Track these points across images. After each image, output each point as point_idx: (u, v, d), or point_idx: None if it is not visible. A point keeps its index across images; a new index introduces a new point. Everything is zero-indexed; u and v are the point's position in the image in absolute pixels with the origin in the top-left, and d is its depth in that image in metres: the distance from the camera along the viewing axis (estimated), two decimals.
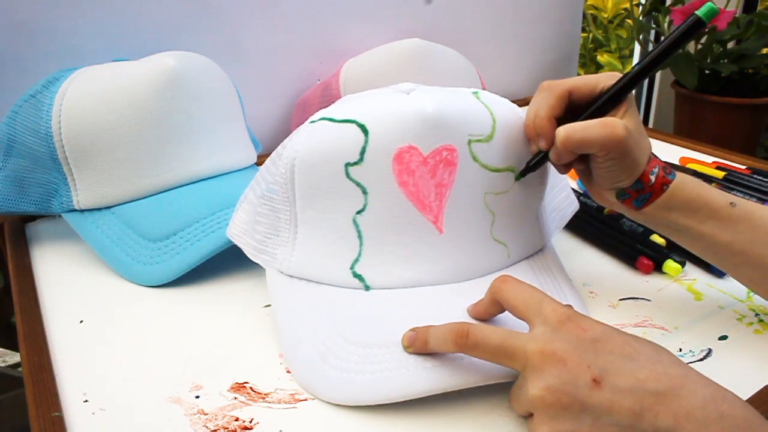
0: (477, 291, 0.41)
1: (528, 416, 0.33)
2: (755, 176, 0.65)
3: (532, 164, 0.44)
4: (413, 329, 0.37)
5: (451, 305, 0.40)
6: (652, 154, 0.42)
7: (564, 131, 0.40)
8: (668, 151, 0.78)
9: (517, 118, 0.45)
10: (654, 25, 1.02)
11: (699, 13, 0.38)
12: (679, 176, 0.42)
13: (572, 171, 0.70)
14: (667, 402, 0.30)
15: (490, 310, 0.38)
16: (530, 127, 0.43)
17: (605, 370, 0.31)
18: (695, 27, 0.39)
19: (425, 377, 0.35)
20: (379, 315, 0.40)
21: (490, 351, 0.33)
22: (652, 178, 0.41)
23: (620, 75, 0.42)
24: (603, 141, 0.39)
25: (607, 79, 0.42)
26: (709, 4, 0.38)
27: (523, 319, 0.35)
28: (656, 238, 0.54)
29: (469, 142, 0.42)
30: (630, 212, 0.43)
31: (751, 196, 0.60)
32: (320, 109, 0.46)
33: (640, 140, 0.41)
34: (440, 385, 0.35)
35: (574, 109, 0.42)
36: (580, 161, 0.44)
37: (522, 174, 0.45)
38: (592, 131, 0.39)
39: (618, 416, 0.30)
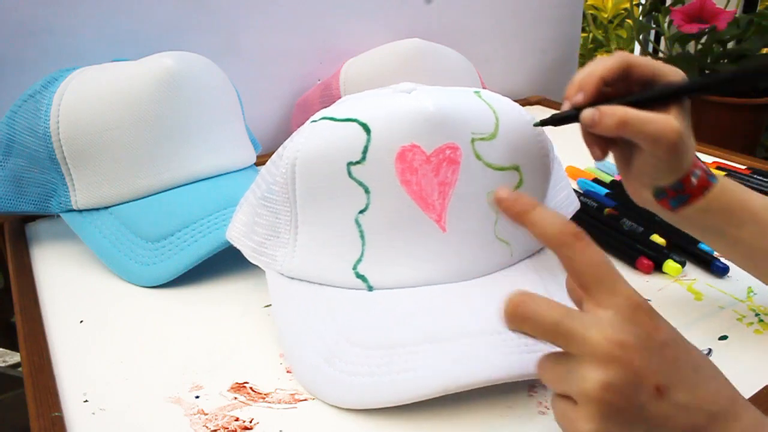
0: (480, 290, 0.41)
1: (562, 396, 0.30)
2: (755, 176, 0.65)
3: (558, 118, 0.41)
4: None
5: (454, 304, 0.40)
6: (695, 155, 0.41)
7: (622, 114, 0.37)
8: None
9: (520, 116, 0.45)
10: (654, 25, 1.02)
11: None
12: (721, 181, 0.41)
13: (571, 171, 0.70)
14: (717, 425, 0.29)
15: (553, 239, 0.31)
16: (575, 82, 0.40)
17: (670, 379, 0.29)
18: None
19: (431, 379, 0.35)
20: (383, 316, 0.40)
21: (543, 328, 0.30)
22: (694, 180, 0.40)
23: (683, 75, 0.40)
24: (656, 138, 0.37)
25: (671, 72, 0.40)
26: None
27: (587, 290, 0.30)
28: (656, 238, 0.54)
29: (473, 140, 0.42)
30: (665, 213, 0.42)
31: None
32: (320, 109, 0.46)
33: (689, 142, 0.39)
34: (447, 386, 0.35)
35: (626, 84, 0.40)
36: (622, 149, 0.42)
37: (542, 123, 0.43)
38: (650, 127, 0.37)
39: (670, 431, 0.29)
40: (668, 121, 0.37)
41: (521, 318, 0.30)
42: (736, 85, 0.39)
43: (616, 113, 0.38)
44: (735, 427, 0.29)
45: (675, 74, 0.40)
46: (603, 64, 0.39)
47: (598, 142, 0.41)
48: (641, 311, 0.29)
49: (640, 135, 0.38)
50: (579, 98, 0.39)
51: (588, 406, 0.28)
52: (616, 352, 0.28)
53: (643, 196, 0.42)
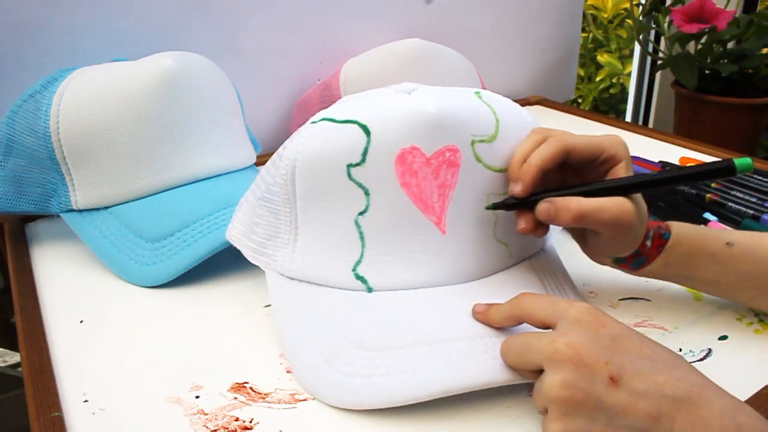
0: (480, 292, 0.41)
1: (544, 413, 0.33)
2: (755, 176, 0.65)
3: (505, 204, 0.42)
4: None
5: (454, 306, 0.40)
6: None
7: (579, 208, 0.38)
8: (668, 151, 0.77)
9: (521, 118, 0.45)
10: (654, 25, 1.02)
11: (736, 161, 0.38)
12: (675, 232, 0.42)
13: None
14: (685, 409, 0.29)
15: (503, 324, 0.38)
16: (515, 167, 0.41)
17: (623, 369, 0.30)
18: (725, 171, 0.38)
19: (431, 380, 0.35)
20: (383, 317, 0.40)
21: (517, 354, 0.34)
22: (648, 243, 0.42)
23: (622, 140, 0.41)
24: (614, 223, 0.39)
25: (611, 144, 0.40)
26: (747, 159, 0.37)
27: (546, 326, 0.34)
28: None
29: (473, 142, 0.42)
30: (628, 272, 0.44)
31: (752, 196, 0.60)
32: (320, 109, 0.46)
33: (644, 217, 0.41)
34: (447, 388, 0.35)
35: (565, 165, 0.41)
36: (574, 229, 0.43)
37: (494, 207, 0.43)
38: (606, 215, 0.38)
39: (633, 419, 0.30)
40: (622, 206, 0.39)
41: (504, 355, 0.35)
42: (690, 181, 0.40)
43: (570, 207, 0.38)
44: (706, 413, 0.29)
45: (613, 145, 0.40)
46: (541, 155, 0.40)
47: (535, 221, 0.41)
48: (586, 313, 0.32)
49: (598, 224, 0.39)
50: (517, 189, 0.40)
51: (552, 408, 0.31)
52: (564, 351, 0.31)
53: (603, 261, 0.44)
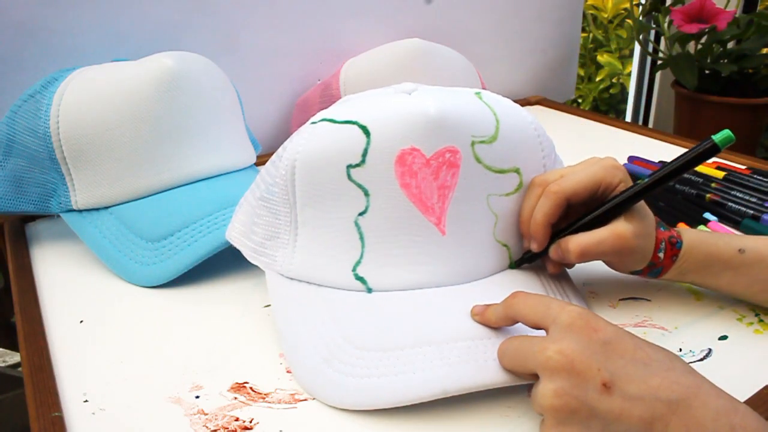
0: (479, 293, 0.41)
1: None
2: (755, 176, 0.65)
3: (528, 257, 0.45)
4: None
5: (454, 307, 0.40)
6: (657, 225, 0.43)
7: (578, 247, 0.41)
8: (668, 151, 0.77)
9: (521, 119, 0.45)
10: (654, 25, 1.02)
11: (716, 138, 0.38)
12: (686, 241, 0.43)
13: None
14: (679, 412, 0.29)
15: (500, 324, 0.38)
16: (525, 225, 0.44)
17: (616, 374, 0.30)
18: (710, 152, 0.39)
19: (431, 381, 0.35)
20: (382, 318, 0.40)
21: (511, 357, 0.34)
22: (661, 255, 0.43)
23: (615, 163, 0.42)
24: (616, 251, 0.41)
25: (605, 174, 0.42)
26: (726, 131, 0.38)
27: (539, 328, 0.34)
28: None
29: (473, 143, 0.42)
30: (647, 279, 0.45)
31: (752, 196, 0.60)
32: (320, 109, 0.46)
33: (649, 231, 0.42)
34: (446, 389, 0.35)
35: (569, 207, 0.43)
36: None
37: (518, 264, 0.45)
38: (605, 245, 0.41)
39: (628, 424, 0.30)
40: (619, 233, 0.41)
41: (500, 358, 0.35)
42: (680, 174, 0.41)
43: (570, 248, 0.41)
44: (700, 413, 0.29)
45: (610, 174, 0.42)
46: (543, 211, 0.42)
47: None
48: (578, 318, 0.32)
49: (600, 256, 0.42)
50: (535, 247, 0.43)
51: (547, 416, 0.31)
52: (556, 359, 0.31)
53: (624, 272, 0.46)
